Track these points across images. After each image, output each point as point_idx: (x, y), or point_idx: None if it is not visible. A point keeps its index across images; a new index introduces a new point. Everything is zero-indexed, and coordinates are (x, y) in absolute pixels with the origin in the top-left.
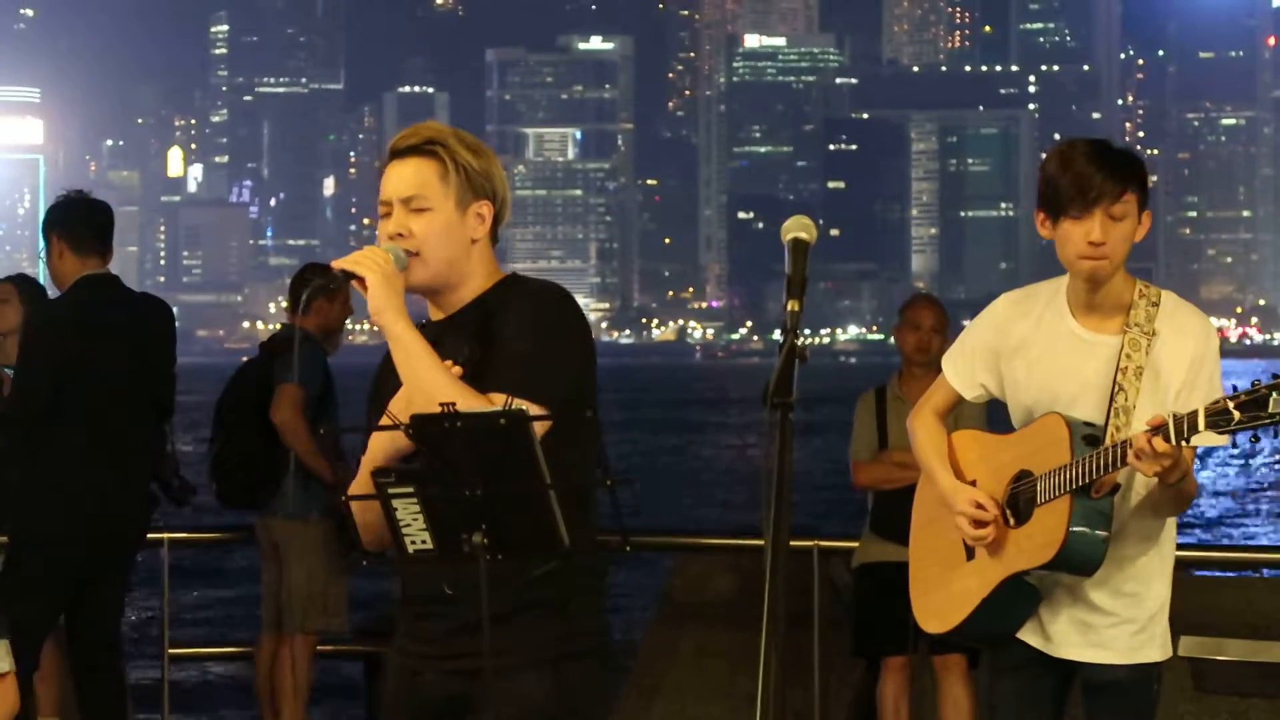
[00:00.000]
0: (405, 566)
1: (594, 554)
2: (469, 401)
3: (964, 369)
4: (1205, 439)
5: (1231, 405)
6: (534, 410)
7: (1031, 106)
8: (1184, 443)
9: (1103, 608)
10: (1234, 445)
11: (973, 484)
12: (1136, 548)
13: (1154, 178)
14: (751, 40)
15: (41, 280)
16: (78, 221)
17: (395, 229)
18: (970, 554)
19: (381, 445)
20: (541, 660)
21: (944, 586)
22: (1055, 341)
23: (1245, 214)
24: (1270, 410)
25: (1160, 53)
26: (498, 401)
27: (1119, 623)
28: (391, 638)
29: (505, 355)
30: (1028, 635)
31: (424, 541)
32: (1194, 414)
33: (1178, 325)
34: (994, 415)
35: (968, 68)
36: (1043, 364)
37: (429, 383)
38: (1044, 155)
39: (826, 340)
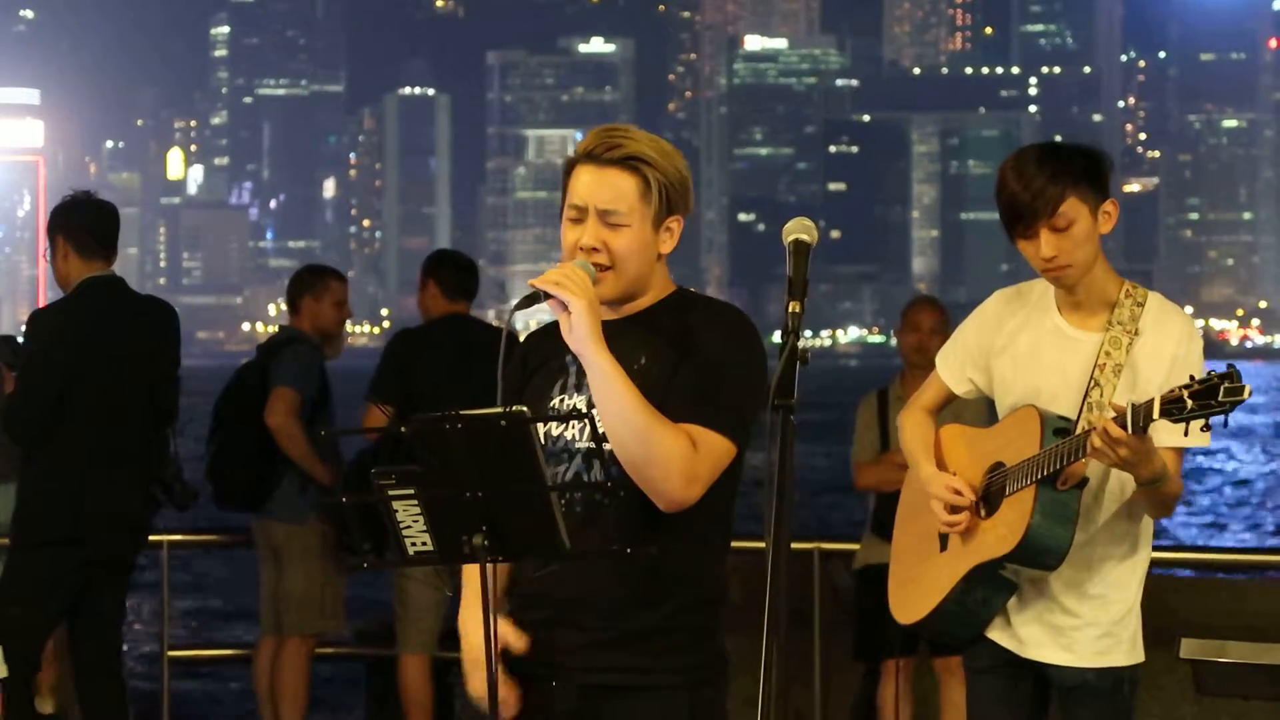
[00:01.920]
0: (408, 567)
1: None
2: (669, 440)
3: (954, 364)
4: (1193, 435)
5: (1186, 394)
6: (721, 441)
7: (1033, 109)
8: (1141, 432)
9: (1069, 609)
10: (1184, 434)
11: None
12: (1106, 550)
13: (1155, 180)
14: (752, 42)
15: (46, 281)
16: (83, 223)
17: (591, 242)
18: (943, 546)
19: None
20: (683, 683)
21: (917, 579)
22: (1040, 338)
23: (1246, 216)
24: (1220, 399)
25: (1162, 55)
26: (693, 432)
27: (1083, 625)
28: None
29: (708, 382)
30: (999, 636)
31: (424, 543)
32: (1150, 402)
33: (1161, 326)
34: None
35: (969, 70)
36: (1027, 360)
37: (629, 417)
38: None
39: (827, 343)
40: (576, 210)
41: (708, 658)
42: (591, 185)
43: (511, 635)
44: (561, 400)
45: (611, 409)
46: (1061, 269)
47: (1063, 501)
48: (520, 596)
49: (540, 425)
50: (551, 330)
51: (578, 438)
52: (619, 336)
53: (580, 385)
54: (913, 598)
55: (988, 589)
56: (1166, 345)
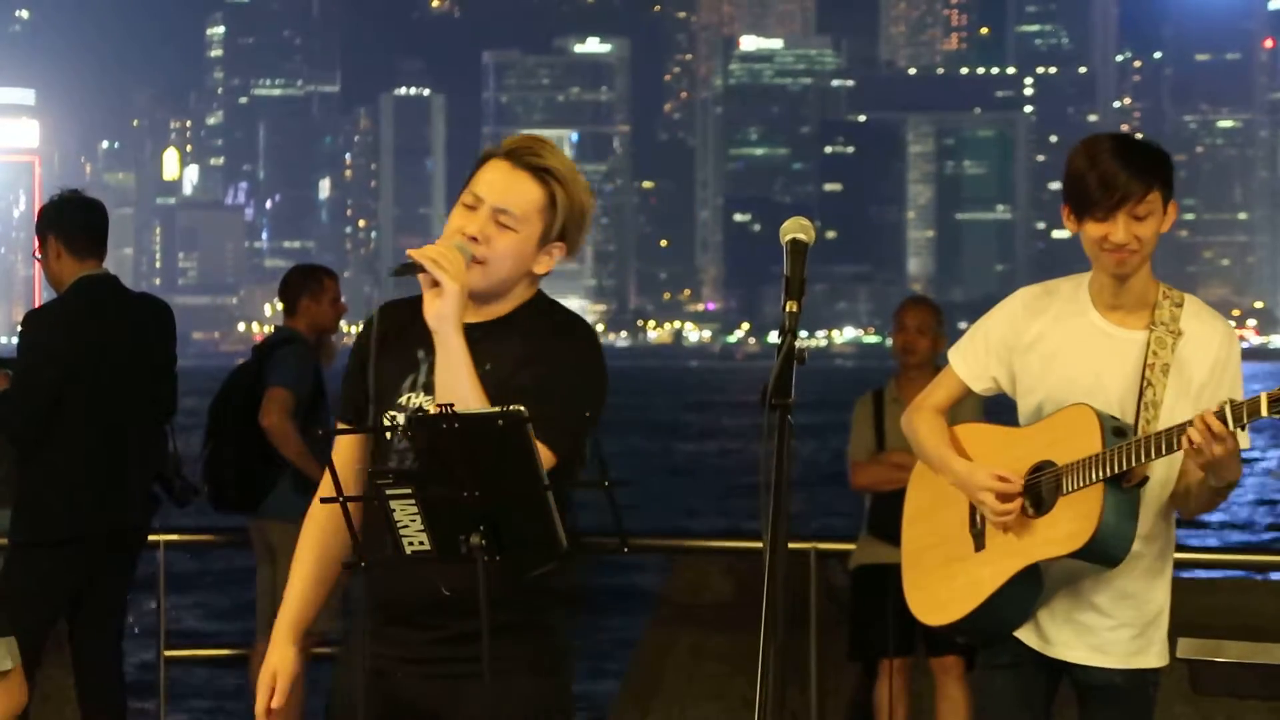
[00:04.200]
0: (399, 569)
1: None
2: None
3: (974, 361)
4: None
5: None
6: (544, 452)
7: (1028, 109)
8: (1241, 429)
9: (1103, 610)
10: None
11: None
12: (1141, 549)
13: None
14: (748, 42)
15: (41, 281)
16: (74, 222)
17: (475, 230)
18: (979, 545)
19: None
20: (533, 670)
21: (948, 579)
22: (1075, 336)
23: (1242, 216)
24: None
25: (1157, 55)
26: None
27: (1118, 626)
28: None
29: (540, 391)
30: (1024, 634)
31: (421, 543)
32: (1255, 399)
33: (1202, 326)
34: (993, 412)
35: (964, 70)
36: (1060, 358)
37: (467, 403)
38: (1070, 150)
39: (823, 343)
40: (475, 198)
41: (555, 647)
42: (497, 182)
43: (282, 672)
44: (409, 399)
45: (452, 391)
46: (1130, 254)
47: (1130, 500)
48: (354, 600)
49: (385, 428)
50: (406, 314)
51: (411, 443)
52: (469, 343)
53: (428, 385)
54: (942, 598)
55: (1034, 588)
56: (1210, 346)
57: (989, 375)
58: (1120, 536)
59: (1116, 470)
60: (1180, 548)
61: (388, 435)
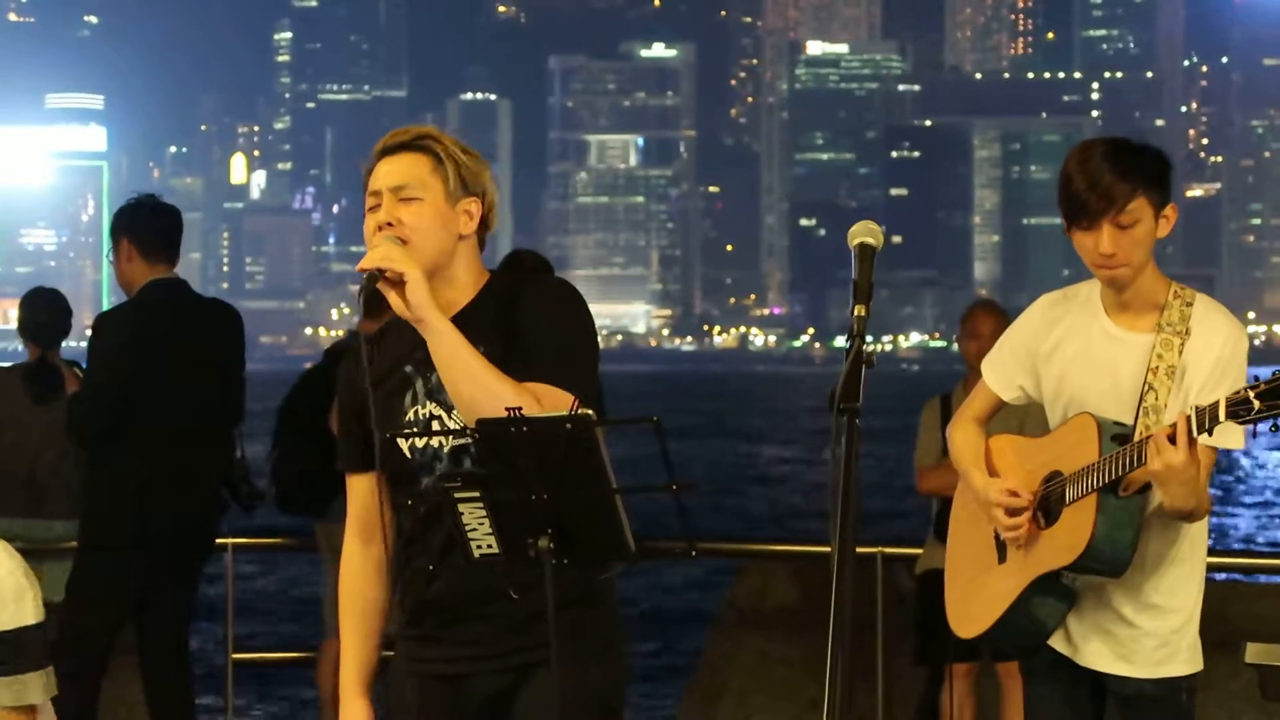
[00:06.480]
0: (472, 570)
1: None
2: (514, 395)
3: (1001, 371)
4: (1226, 435)
5: (1252, 395)
6: (564, 396)
7: (1095, 114)
8: (1206, 435)
9: (1127, 619)
10: (1253, 436)
11: None
12: (1160, 555)
13: (1217, 185)
14: (814, 47)
15: (107, 284)
16: (147, 226)
17: (385, 217)
18: (1002, 557)
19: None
20: (590, 650)
21: (976, 591)
22: (1089, 341)
23: None
24: None
25: (1224, 59)
26: (538, 391)
27: (1141, 635)
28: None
29: (540, 346)
30: (1057, 642)
31: (490, 546)
32: (1215, 405)
33: (1208, 326)
34: None
35: (1030, 74)
36: (1077, 364)
37: (480, 377)
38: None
39: (889, 347)
40: (374, 197)
41: (608, 623)
42: (382, 172)
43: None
44: (415, 411)
45: (458, 371)
46: (1118, 267)
47: (1125, 508)
48: (411, 610)
49: (404, 438)
50: (380, 338)
51: (444, 442)
52: None
53: (430, 393)
54: (972, 611)
55: (1050, 599)
56: (1213, 346)
57: (1016, 384)
58: (1117, 545)
59: (1108, 479)
60: (1249, 553)
61: (444, 438)
